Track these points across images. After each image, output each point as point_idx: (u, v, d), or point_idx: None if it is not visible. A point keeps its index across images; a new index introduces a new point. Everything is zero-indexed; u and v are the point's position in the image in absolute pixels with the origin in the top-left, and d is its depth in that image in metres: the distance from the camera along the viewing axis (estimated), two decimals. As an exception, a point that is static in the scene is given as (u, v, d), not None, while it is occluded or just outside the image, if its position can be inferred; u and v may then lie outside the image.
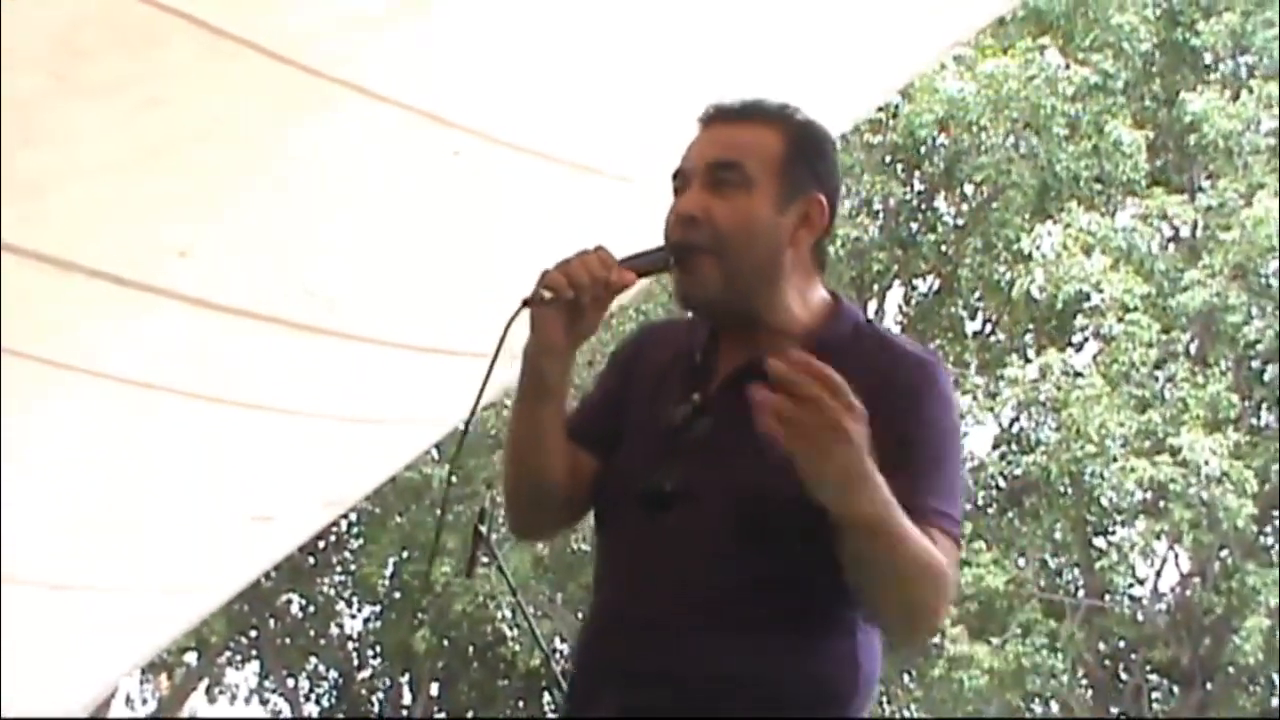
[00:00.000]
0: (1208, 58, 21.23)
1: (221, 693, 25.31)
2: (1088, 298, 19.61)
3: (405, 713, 24.26)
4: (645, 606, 2.68)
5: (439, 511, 22.63)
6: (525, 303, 2.67)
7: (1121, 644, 22.01)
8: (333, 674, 25.19)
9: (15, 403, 5.43)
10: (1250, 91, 19.77)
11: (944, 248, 22.34)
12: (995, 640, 19.47)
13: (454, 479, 18.08)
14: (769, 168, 2.70)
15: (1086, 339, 20.93)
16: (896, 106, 19.78)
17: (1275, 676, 20.51)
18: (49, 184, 4.62)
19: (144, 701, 25.32)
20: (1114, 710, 21.80)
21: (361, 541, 23.27)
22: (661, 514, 2.68)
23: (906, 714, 21.19)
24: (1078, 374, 19.68)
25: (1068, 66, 19.92)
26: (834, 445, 2.33)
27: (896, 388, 2.63)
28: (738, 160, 2.70)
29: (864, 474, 2.38)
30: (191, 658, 23.91)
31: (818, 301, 2.75)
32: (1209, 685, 20.84)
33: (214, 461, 5.75)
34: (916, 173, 22.11)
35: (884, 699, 20.59)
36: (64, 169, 4.57)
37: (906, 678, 20.94)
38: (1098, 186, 20.49)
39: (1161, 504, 19.36)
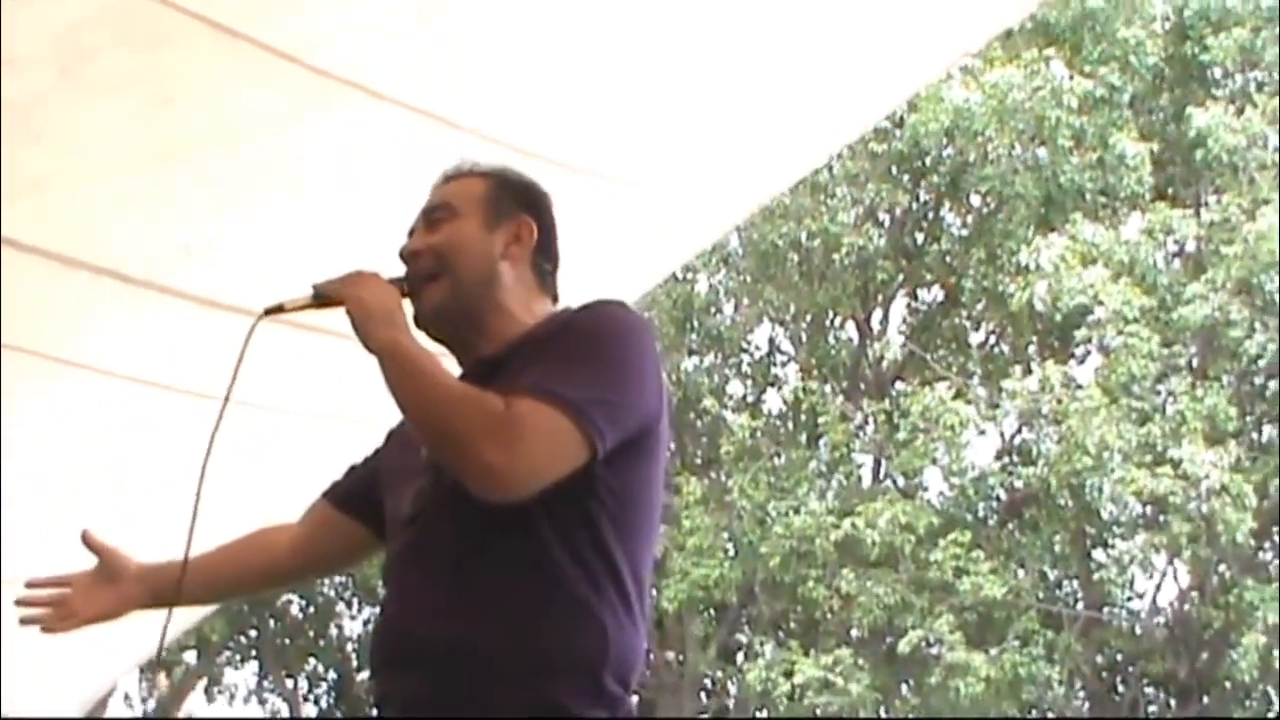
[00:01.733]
0: (1216, 73, 21.19)
1: (220, 692, 25.33)
2: (1090, 310, 19.59)
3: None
4: (409, 601, 2.90)
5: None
6: (265, 312, 2.99)
7: (1119, 656, 22.01)
8: (331, 675, 25.20)
9: (18, 398, 5.43)
10: (1256, 107, 19.71)
11: (948, 258, 22.33)
12: (993, 650, 19.47)
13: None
14: (473, 201, 3.02)
15: (1089, 351, 20.92)
16: (902, 115, 19.76)
17: (1272, 692, 20.44)
18: (55, 181, 4.63)
19: (143, 700, 25.33)
20: (1109, 722, 21.81)
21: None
22: (407, 532, 2.93)
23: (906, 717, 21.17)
24: (1078, 386, 19.67)
25: (1073, 78, 19.90)
26: (349, 305, 2.80)
27: (552, 329, 2.91)
28: (445, 201, 3.03)
29: (371, 322, 2.80)
30: (191, 656, 23.93)
31: (542, 314, 2.99)
32: (1205, 699, 20.86)
33: (218, 460, 5.74)
34: (922, 182, 22.11)
35: (881, 706, 20.61)
36: (70, 167, 4.58)
37: (904, 687, 20.94)
38: (1102, 199, 20.47)
39: (1161, 517, 19.38)
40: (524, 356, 2.84)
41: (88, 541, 3.34)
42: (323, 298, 2.90)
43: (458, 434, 2.70)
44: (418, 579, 2.87)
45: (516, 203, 3.02)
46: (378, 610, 3.02)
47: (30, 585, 3.35)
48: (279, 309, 2.96)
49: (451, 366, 2.93)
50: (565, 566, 2.76)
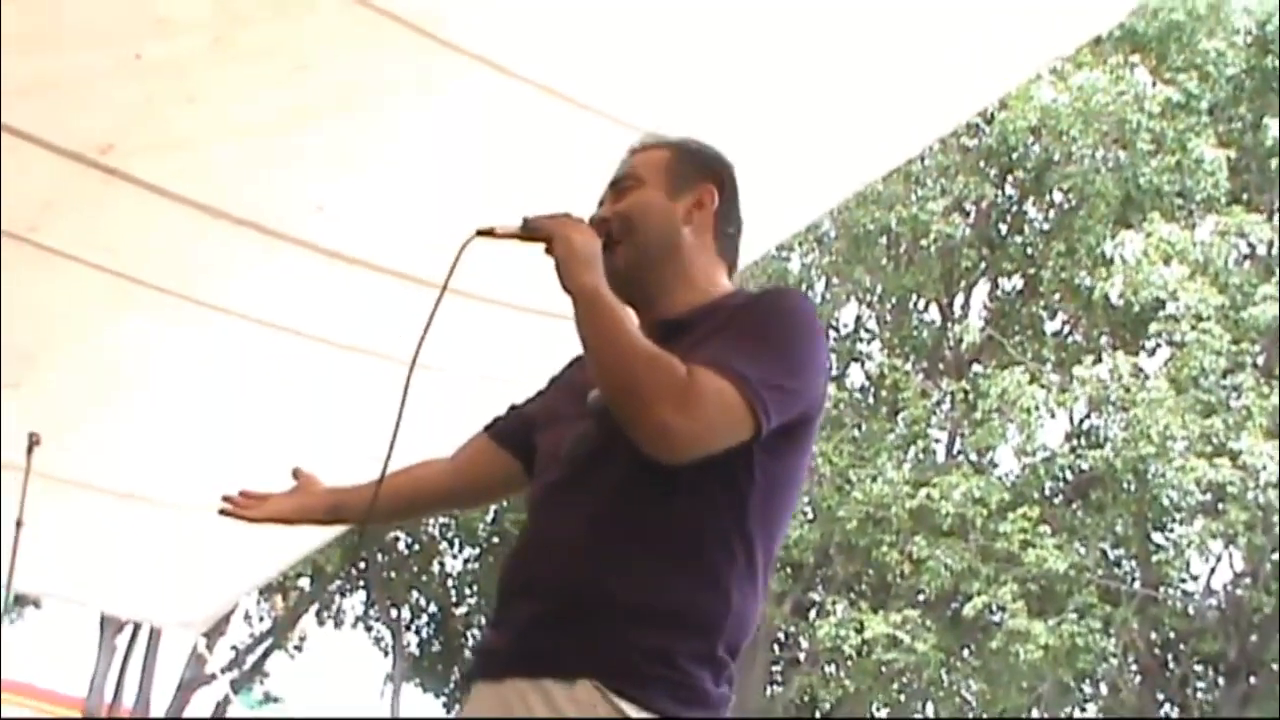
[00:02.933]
0: (1295, 84, 21.02)
1: (330, 617, 25.52)
2: (1163, 305, 19.47)
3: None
4: (551, 534, 2.88)
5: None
6: (477, 232, 2.92)
7: (1172, 634, 21.84)
8: (432, 607, 25.34)
9: (161, 336, 5.49)
10: None
11: (1029, 249, 22.23)
12: (1052, 620, 19.38)
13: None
14: (657, 169, 3.02)
15: (1159, 344, 20.76)
16: (992, 112, 19.63)
17: None
18: (205, 139, 4.66)
19: (260, 619, 25.58)
20: (1159, 696, 21.65)
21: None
22: (561, 471, 2.91)
23: (968, 682, 21.08)
24: (1146, 377, 19.54)
25: (1155, 85, 19.76)
26: (557, 243, 2.78)
27: (741, 304, 2.90)
28: (631, 171, 3.03)
29: (576, 264, 2.77)
30: (305, 583, 24.11)
31: (721, 283, 3.00)
32: (1253, 679, 20.71)
33: (336, 401, 5.79)
34: (1008, 176, 21.98)
35: (944, 669, 20.55)
36: (219, 126, 4.61)
37: (967, 649, 20.86)
38: (1179, 200, 20.31)
39: (1219, 505, 19.23)
40: (706, 326, 2.84)
41: (295, 473, 3.40)
42: (531, 231, 2.87)
43: (641, 389, 2.68)
44: (562, 517, 2.86)
45: (699, 171, 3.02)
46: (519, 539, 3.01)
47: (240, 493, 3.40)
48: (490, 232, 2.92)
49: None
50: (704, 533, 2.75)
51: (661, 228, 2.95)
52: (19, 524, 5.89)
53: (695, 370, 2.68)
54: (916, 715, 22.52)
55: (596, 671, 2.70)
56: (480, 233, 2.91)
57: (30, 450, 5.86)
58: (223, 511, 3.42)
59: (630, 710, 2.67)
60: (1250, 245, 20.32)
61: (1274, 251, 19.98)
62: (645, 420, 2.68)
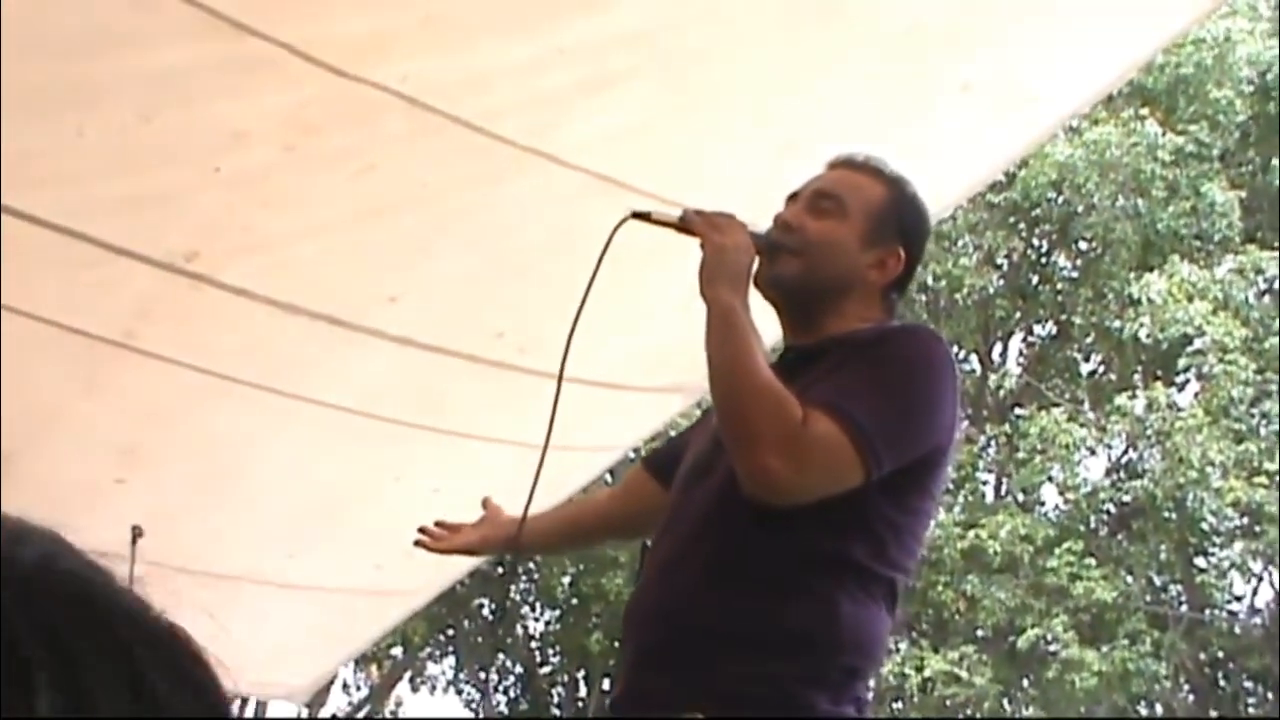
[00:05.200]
0: (1299, 129, 21.04)
1: (423, 683, 25.48)
2: (1190, 340, 19.44)
3: (578, 704, 24.29)
4: (657, 566, 2.77)
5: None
6: (633, 214, 2.80)
7: (1220, 653, 21.63)
8: (518, 669, 25.26)
9: (251, 428, 5.52)
10: None
11: (1059, 297, 22.21)
12: (1104, 647, 19.26)
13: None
14: (863, 209, 2.81)
15: (1189, 378, 20.68)
16: (1014, 170, 19.63)
17: None
18: (282, 241, 4.70)
19: (357, 688, 25.55)
20: (1212, 713, 21.44)
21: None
22: (688, 490, 2.79)
23: (1026, 712, 20.91)
24: (1179, 409, 19.49)
25: (1166, 135, 19.75)
26: (708, 246, 2.65)
27: (870, 339, 2.75)
28: (839, 194, 2.82)
29: (720, 275, 2.64)
30: (397, 651, 24.09)
31: (863, 322, 2.82)
32: (1300, 691, 20.54)
33: (415, 481, 5.81)
34: (1034, 230, 21.95)
35: (1005, 699, 20.40)
36: (294, 228, 4.65)
37: (1024, 680, 20.69)
38: (1197, 242, 20.30)
39: (1257, 526, 19.14)
40: (837, 358, 2.69)
41: (484, 502, 3.37)
42: (686, 224, 2.74)
43: (752, 425, 2.54)
44: (673, 544, 2.74)
45: (898, 230, 2.84)
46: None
47: (435, 523, 3.41)
48: (646, 216, 2.80)
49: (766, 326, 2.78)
50: (809, 560, 2.60)
51: (839, 270, 2.79)
52: (129, 611, 5.92)
53: (810, 415, 2.54)
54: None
55: (700, 703, 2.57)
56: (636, 215, 2.79)
57: (134, 542, 5.89)
58: (417, 543, 3.38)
59: None
60: (1267, 281, 20.31)
61: (1290, 285, 19.98)
62: (750, 461, 2.55)
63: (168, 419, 5.52)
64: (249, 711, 22.99)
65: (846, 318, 2.78)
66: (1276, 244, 20.45)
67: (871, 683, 2.77)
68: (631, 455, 6.56)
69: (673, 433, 3.47)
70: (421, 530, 3.38)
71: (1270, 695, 21.27)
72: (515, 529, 3.18)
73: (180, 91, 4.09)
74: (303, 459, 5.76)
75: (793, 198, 2.85)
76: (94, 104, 4.12)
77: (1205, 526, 20.34)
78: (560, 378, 2.88)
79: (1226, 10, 18.90)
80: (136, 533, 5.88)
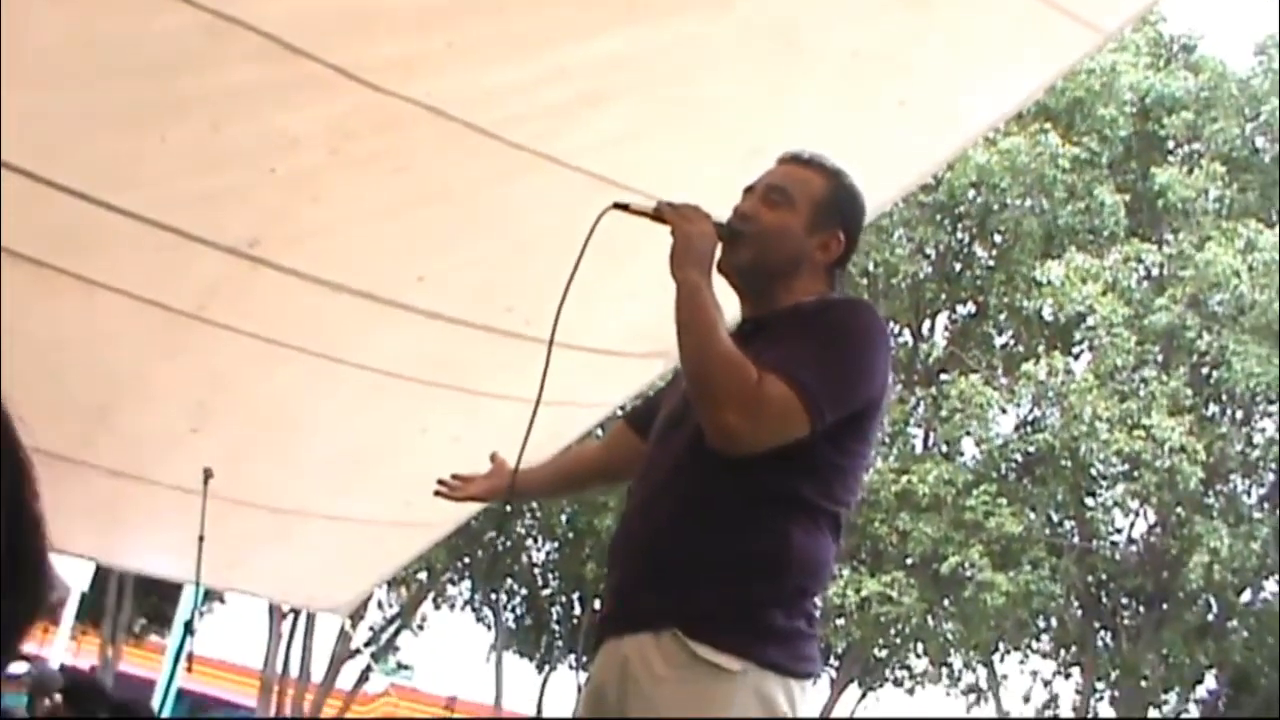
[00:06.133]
0: (1170, 143, 21.10)
1: (444, 602, 25.52)
2: (1084, 318, 19.55)
3: (574, 621, 24.32)
4: (636, 503, 2.75)
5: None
6: (615, 205, 2.77)
7: (1104, 576, 21.73)
8: (523, 591, 25.28)
9: (300, 386, 5.52)
10: (1201, 168, 19.84)
11: (978, 281, 22.25)
12: (1011, 572, 19.34)
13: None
14: (808, 198, 2.78)
15: (1083, 349, 20.74)
16: (941, 174, 19.65)
17: (1210, 599, 20.49)
18: (328, 230, 4.69)
19: (390, 605, 25.59)
20: (1095, 624, 21.56)
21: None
22: (662, 441, 2.76)
23: (947, 626, 20.97)
24: (1074, 374, 19.58)
25: (1065, 146, 19.77)
26: (676, 233, 2.63)
27: (813, 310, 2.71)
28: (787, 186, 2.79)
29: (687, 257, 2.62)
30: (423, 575, 24.12)
31: (809, 296, 2.78)
32: (1164, 605, 20.67)
33: (439, 431, 5.80)
34: (958, 224, 21.96)
35: (929, 615, 20.45)
36: (338, 219, 4.64)
37: (946, 600, 20.76)
38: (1089, 236, 20.36)
39: (1135, 471, 19.23)
40: (785, 326, 2.67)
41: (492, 457, 3.32)
42: (660, 215, 2.71)
43: (714, 387, 2.52)
44: (650, 487, 2.72)
45: (839, 216, 2.81)
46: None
47: (452, 476, 3.35)
48: (625, 206, 2.76)
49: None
50: (763, 495, 2.58)
51: (789, 253, 2.76)
52: (201, 538, 5.92)
53: (764, 377, 2.52)
54: (910, 656, 22.42)
55: (677, 623, 2.56)
56: (617, 205, 2.76)
57: (206, 481, 5.88)
58: (437, 493, 3.33)
59: (705, 653, 2.53)
60: (1146, 268, 20.41)
61: (1164, 273, 20.06)
62: (713, 418, 2.53)
63: (233, 379, 5.51)
64: (301, 623, 23.02)
65: (795, 293, 2.76)
66: (1154, 238, 20.52)
67: (819, 600, 2.74)
68: (619, 411, 6.55)
69: (651, 392, 3.44)
70: (440, 482, 3.35)
71: (1141, 609, 21.42)
72: (518, 479, 3.15)
73: (244, 105, 4.08)
74: (345, 413, 5.75)
75: (749, 190, 2.83)
76: (174, 116, 4.11)
77: (1094, 472, 20.46)
78: (550, 343, 2.86)
79: (1114, 46, 18.89)
80: (208, 474, 5.88)
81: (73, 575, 10.89)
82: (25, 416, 0.96)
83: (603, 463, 3.23)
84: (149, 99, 4.02)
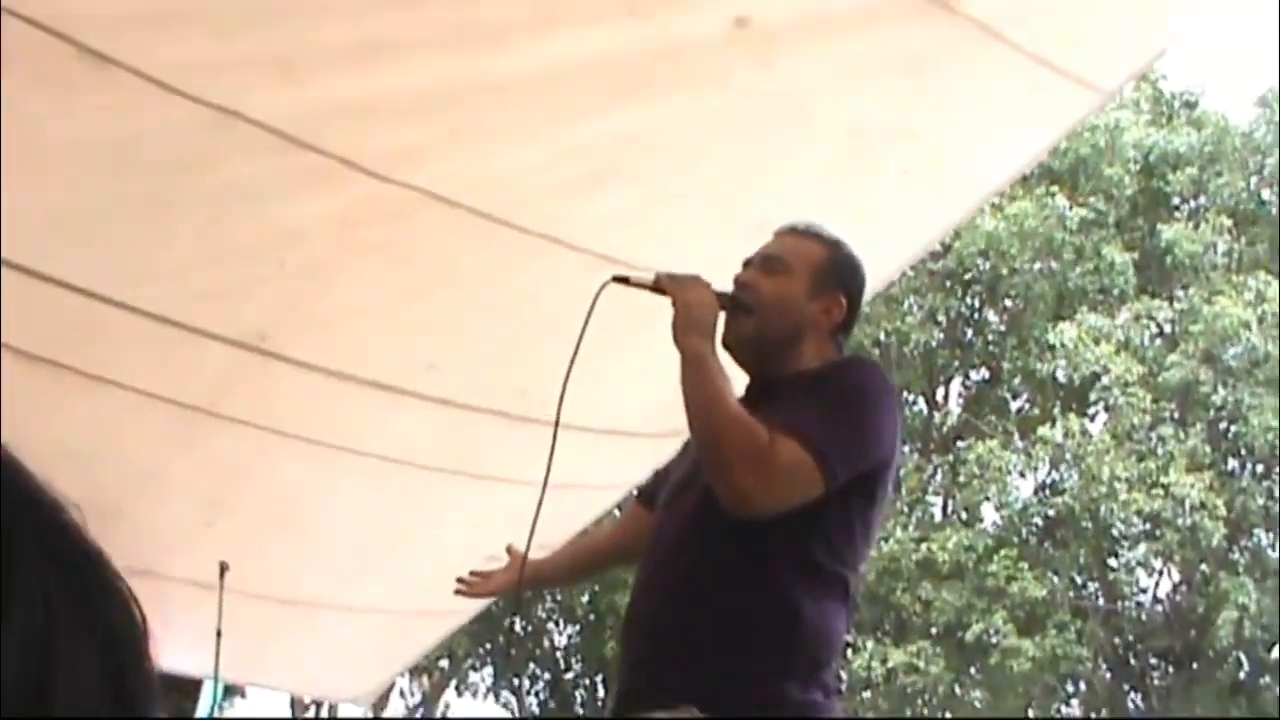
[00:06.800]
0: (1175, 199, 21.13)
1: (466, 689, 25.34)
2: (1098, 378, 19.48)
3: (599, 703, 24.14)
4: (644, 578, 2.73)
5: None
6: (614, 279, 2.77)
7: (1131, 637, 21.54)
8: (546, 675, 25.08)
9: (313, 477, 5.49)
10: (1207, 223, 19.87)
11: (990, 346, 22.25)
12: (1037, 637, 19.19)
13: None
14: (807, 265, 2.78)
15: (1098, 409, 20.67)
16: (949, 241, 19.70)
17: (1241, 656, 20.27)
18: (337, 321, 4.69)
19: (412, 694, 25.39)
20: (1125, 686, 21.36)
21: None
22: (668, 510, 2.75)
23: (975, 694, 20.78)
24: (1091, 435, 19.53)
25: (1071, 207, 19.80)
26: (677, 304, 2.63)
27: (820, 373, 2.71)
28: (784, 255, 2.79)
29: (689, 326, 2.60)
30: (445, 663, 23.95)
31: (816, 361, 2.77)
32: (1195, 664, 20.50)
33: (454, 517, 5.77)
34: (968, 290, 21.97)
35: (955, 684, 20.28)
36: (347, 309, 4.64)
37: (971, 668, 20.58)
38: (1100, 296, 20.34)
39: (1156, 530, 19.13)
40: (795, 390, 2.65)
41: (507, 549, 3.28)
42: (659, 286, 2.70)
43: (725, 452, 2.50)
44: (659, 556, 2.69)
45: (839, 280, 2.80)
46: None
47: (470, 573, 3.33)
48: (625, 280, 2.76)
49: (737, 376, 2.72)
50: (770, 563, 2.54)
51: (792, 320, 2.74)
52: (218, 633, 5.89)
53: (775, 438, 2.49)
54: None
55: (693, 699, 2.51)
56: (616, 279, 2.76)
57: (222, 575, 5.85)
58: (458, 592, 3.32)
59: None
60: (1158, 325, 20.38)
61: (1176, 329, 20.05)
62: (726, 481, 2.50)
63: (246, 472, 5.48)
64: (323, 713, 22.87)
65: (802, 359, 2.75)
66: (1164, 295, 20.50)
67: (835, 669, 2.70)
68: (635, 492, 6.52)
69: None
70: (459, 580, 3.32)
71: (1171, 669, 21.23)
72: (532, 569, 3.15)
73: (249, 198, 4.08)
74: (361, 503, 5.72)
75: (747, 264, 2.83)
76: (179, 211, 4.12)
77: (1115, 532, 20.31)
78: (556, 425, 2.85)
79: (1115, 104, 18.97)
80: (224, 567, 5.85)
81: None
82: None
83: (619, 544, 3.20)
84: (154, 195, 4.03)
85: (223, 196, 4.07)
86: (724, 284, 2.79)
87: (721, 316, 2.71)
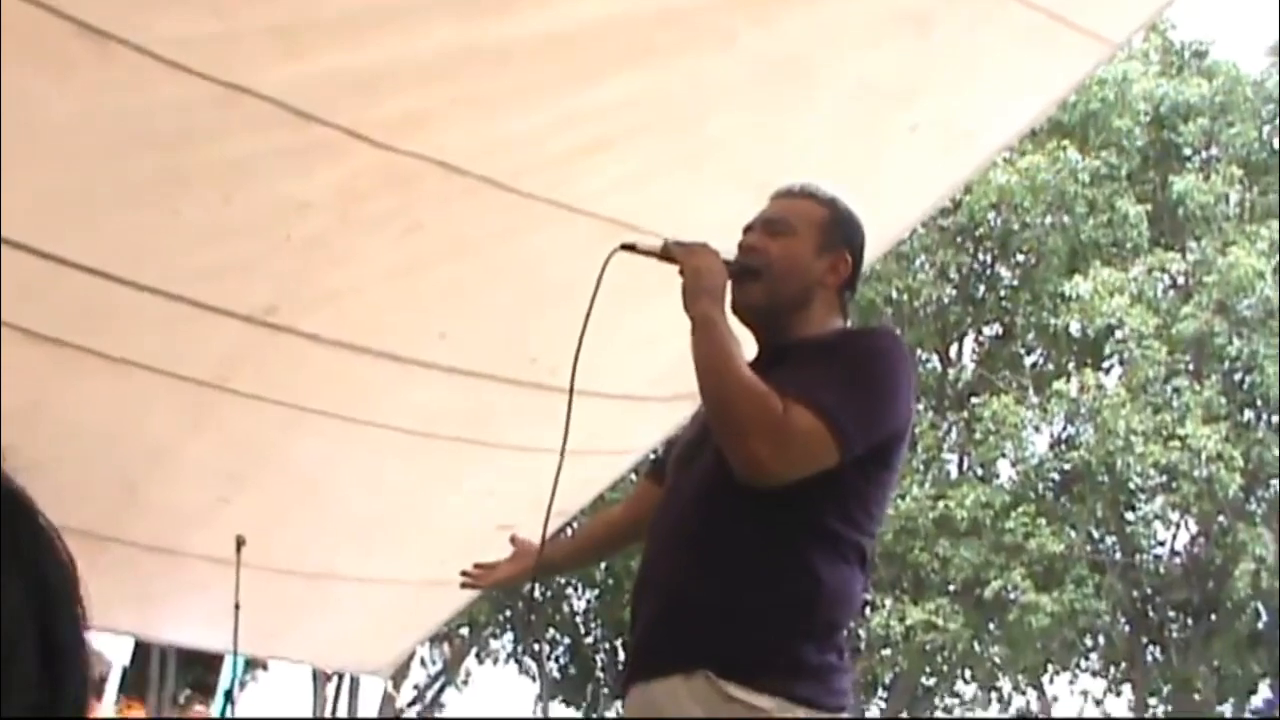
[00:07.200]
0: (1187, 150, 21.01)
1: (487, 656, 25.44)
2: (1113, 331, 19.46)
3: (619, 667, 24.23)
4: (657, 542, 2.71)
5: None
6: (622, 246, 2.76)
7: (1149, 589, 21.58)
8: (566, 640, 25.22)
9: (328, 450, 5.50)
10: (1218, 174, 19.76)
11: (1003, 301, 22.19)
12: (1055, 592, 19.19)
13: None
14: (810, 224, 2.76)
15: (1113, 363, 20.64)
16: (959, 196, 19.64)
17: (1259, 606, 20.26)
18: (346, 292, 4.68)
19: (433, 662, 25.55)
20: (1143, 639, 21.39)
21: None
22: (679, 474, 2.74)
23: (993, 650, 20.82)
24: (1106, 389, 19.50)
25: (1083, 160, 19.71)
26: (686, 270, 2.61)
27: (834, 340, 2.70)
28: (786, 217, 2.77)
29: (699, 292, 2.59)
30: (465, 630, 24.06)
31: (829, 327, 2.76)
32: (1213, 616, 20.53)
33: (469, 486, 5.78)
34: (980, 246, 21.91)
35: (975, 640, 20.32)
36: (354, 281, 4.63)
37: (990, 624, 20.61)
38: (1113, 249, 20.27)
39: (1173, 483, 19.12)
40: (805, 357, 2.63)
41: (512, 539, 3.26)
42: (667, 253, 2.69)
43: (739, 419, 2.48)
44: (670, 522, 2.68)
45: (843, 238, 2.78)
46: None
47: (474, 565, 3.32)
48: (632, 247, 2.74)
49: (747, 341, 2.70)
50: (790, 526, 2.54)
51: (800, 280, 2.72)
52: (237, 607, 5.90)
53: (790, 406, 2.47)
54: (958, 683, 22.26)
55: (707, 664, 2.51)
56: (624, 247, 2.74)
57: (239, 549, 5.86)
58: (464, 585, 3.32)
59: (738, 693, 2.48)
60: (1171, 277, 20.33)
61: (1189, 281, 19.99)
62: (740, 450, 2.49)
63: (260, 447, 5.49)
64: (344, 686, 22.99)
65: (811, 321, 2.73)
66: (1178, 247, 20.42)
67: (848, 632, 2.69)
68: (652, 454, 6.51)
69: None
70: (464, 573, 3.32)
71: (1190, 621, 21.24)
72: (541, 554, 3.14)
73: (254, 172, 4.08)
74: (375, 474, 5.73)
75: (748, 229, 2.81)
76: (185, 188, 4.11)
77: (1132, 486, 20.30)
78: (570, 392, 2.83)
79: (1124, 55, 18.87)
80: (240, 542, 5.86)
81: (113, 650, 10.87)
82: (55, 495, 0.96)
83: (629, 521, 3.16)
84: (159, 172, 4.02)
85: (228, 171, 4.06)
86: (731, 247, 2.78)
87: (729, 283, 2.69)
